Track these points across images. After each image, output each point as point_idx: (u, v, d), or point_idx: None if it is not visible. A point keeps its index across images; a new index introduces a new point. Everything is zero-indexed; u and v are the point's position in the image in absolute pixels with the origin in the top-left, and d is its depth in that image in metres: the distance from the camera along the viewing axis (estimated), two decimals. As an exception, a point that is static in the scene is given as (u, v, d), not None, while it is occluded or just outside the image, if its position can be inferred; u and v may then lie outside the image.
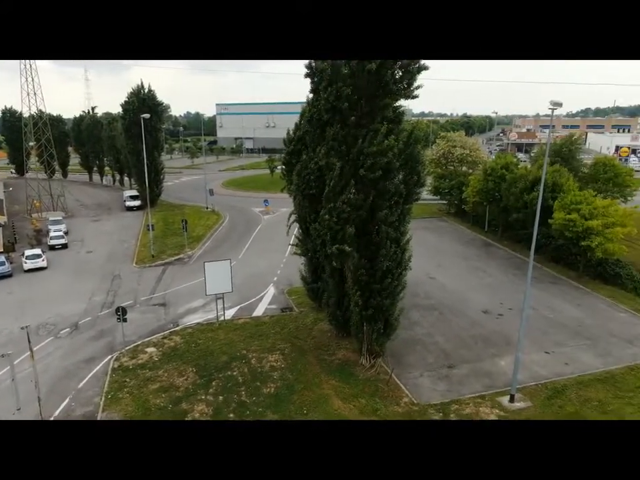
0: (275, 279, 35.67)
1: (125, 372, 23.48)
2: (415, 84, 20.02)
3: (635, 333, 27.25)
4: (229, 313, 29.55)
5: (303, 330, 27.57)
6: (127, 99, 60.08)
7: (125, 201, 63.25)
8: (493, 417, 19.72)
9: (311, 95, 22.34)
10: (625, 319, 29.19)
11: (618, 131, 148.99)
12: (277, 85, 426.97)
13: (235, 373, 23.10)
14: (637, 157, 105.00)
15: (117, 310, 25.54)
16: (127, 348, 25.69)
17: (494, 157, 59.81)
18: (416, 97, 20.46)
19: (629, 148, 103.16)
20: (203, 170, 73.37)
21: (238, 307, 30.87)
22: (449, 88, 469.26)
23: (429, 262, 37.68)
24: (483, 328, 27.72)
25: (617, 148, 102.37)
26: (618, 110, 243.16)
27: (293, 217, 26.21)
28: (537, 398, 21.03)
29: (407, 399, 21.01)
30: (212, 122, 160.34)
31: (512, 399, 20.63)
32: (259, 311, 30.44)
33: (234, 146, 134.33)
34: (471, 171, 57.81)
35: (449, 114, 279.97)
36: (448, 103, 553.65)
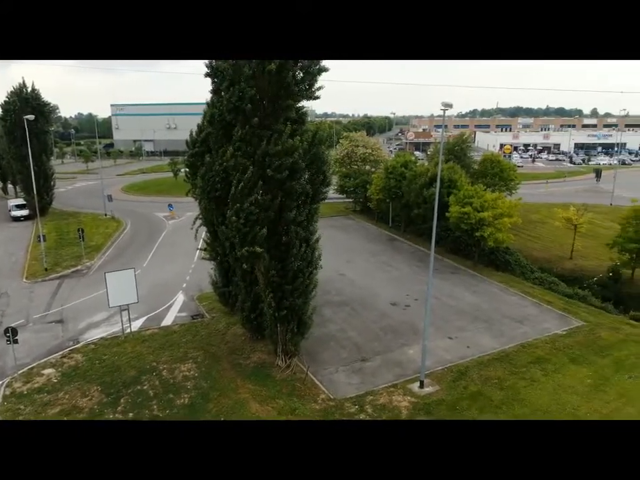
0: (184, 285, 34.48)
1: (19, 398, 21.38)
2: (317, 85, 20.36)
3: (524, 313, 29.97)
4: (136, 325, 28.05)
5: (216, 336, 26.94)
6: (6, 99, 54.75)
7: (10, 210, 57.58)
8: (405, 404, 20.65)
9: (212, 96, 21.91)
10: (515, 301, 32.00)
11: (501, 130, 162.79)
12: (178, 85, 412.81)
13: (145, 387, 21.98)
14: (519, 153, 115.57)
15: (6, 331, 23.15)
16: (20, 372, 23.40)
17: (394, 155, 62.71)
18: (318, 97, 20.81)
19: (511, 145, 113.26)
20: (99, 175, 68.99)
21: (145, 317, 29.41)
22: (350, 89, 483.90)
23: (338, 259, 38.54)
24: (392, 319, 28.93)
25: (501, 146, 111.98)
26: (500, 111, 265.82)
27: (199, 221, 25.50)
28: (443, 381, 22.36)
29: (324, 395, 21.34)
30: (107, 123, 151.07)
31: (422, 385, 21.75)
32: (168, 320, 29.23)
33: (133, 149, 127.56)
34: (373, 169, 59.99)
35: (350, 115, 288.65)
36: (349, 104, 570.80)
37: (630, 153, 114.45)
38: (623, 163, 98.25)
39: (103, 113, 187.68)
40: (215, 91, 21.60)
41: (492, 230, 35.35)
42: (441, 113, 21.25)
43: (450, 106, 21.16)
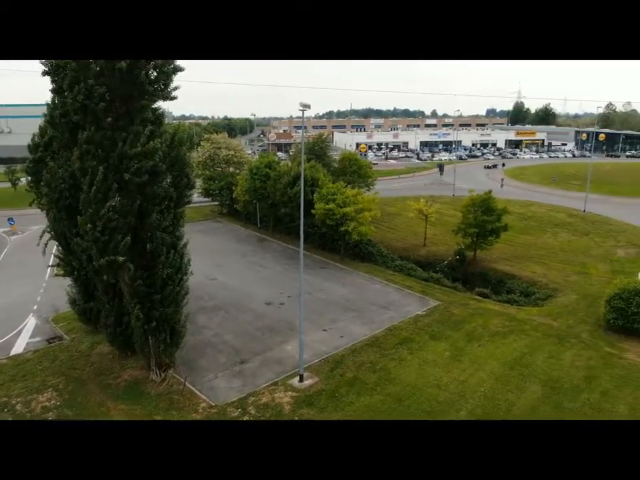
0: (35, 307, 30.82)
1: None
2: (172, 85, 19.61)
3: (389, 299, 32.28)
4: (-23, 358, 24.38)
5: (79, 358, 24.57)
6: None
7: None
8: (287, 400, 20.95)
9: (53, 95, 19.92)
10: (380, 289, 34.30)
11: (356, 130, 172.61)
12: (11, 85, 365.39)
13: (-6, 427, 19.21)
14: (373, 152, 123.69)
15: None
16: None
17: (257, 156, 62.98)
18: (174, 98, 20.07)
19: (366, 144, 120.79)
20: None
21: (-12, 348, 25.70)
22: (208, 91, 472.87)
23: (208, 263, 37.64)
24: (268, 319, 29.11)
25: (357, 145, 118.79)
26: (354, 112, 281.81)
27: (48, 235, 23.04)
28: (322, 372, 23.13)
29: (205, 404, 20.72)
30: None
31: (301, 379, 22.24)
32: (18, 348, 25.88)
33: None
34: (237, 171, 59.67)
35: (210, 117, 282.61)
36: (208, 106, 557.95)
37: (465, 149, 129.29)
38: (460, 158, 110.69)
39: None
40: (56, 90, 19.66)
41: (355, 224, 37.44)
42: (300, 114, 21.88)
43: (308, 106, 21.89)
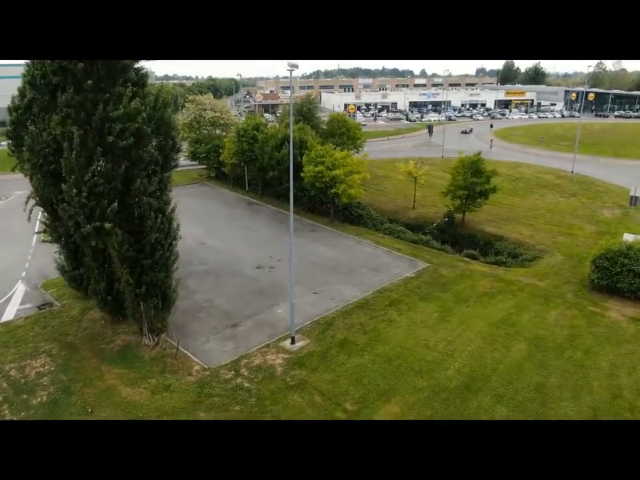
0: (24, 274, 30.59)
1: None
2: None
3: (379, 262, 32.53)
4: (-33, 325, 24.32)
5: (70, 324, 24.62)
6: None
7: None
8: (279, 361, 21.31)
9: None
10: (370, 252, 34.51)
11: (345, 91, 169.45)
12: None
13: (-11, 393, 19.39)
14: (362, 113, 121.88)
15: None
16: None
17: (244, 118, 61.76)
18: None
19: (354, 105, 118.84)
20: None
21: (-23, 315, 25.61)
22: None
23: (197, 228, 37.43)
24: (259, 282, 29.25)
25: (346, 106, 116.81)
26: (342, 72, 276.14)
27: (33, 201, 22.60)
28: (312, 334, 23.48)
29: (198, 367, 21.02)
30: None
31: (293, 341, 22.58)
32: (8, 315, 25.82)
33: None
34: (224, 133, 58.57)
35: (194, 77, 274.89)
36: (191, 66, 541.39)
37: (454, 110, 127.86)
38: (449, 118, 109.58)
39: None
40: (34, 49, 18.83)
41: (344, 187, 37.24)
42: (287, 74, 21.31)
43: (296, 66, 21.30)
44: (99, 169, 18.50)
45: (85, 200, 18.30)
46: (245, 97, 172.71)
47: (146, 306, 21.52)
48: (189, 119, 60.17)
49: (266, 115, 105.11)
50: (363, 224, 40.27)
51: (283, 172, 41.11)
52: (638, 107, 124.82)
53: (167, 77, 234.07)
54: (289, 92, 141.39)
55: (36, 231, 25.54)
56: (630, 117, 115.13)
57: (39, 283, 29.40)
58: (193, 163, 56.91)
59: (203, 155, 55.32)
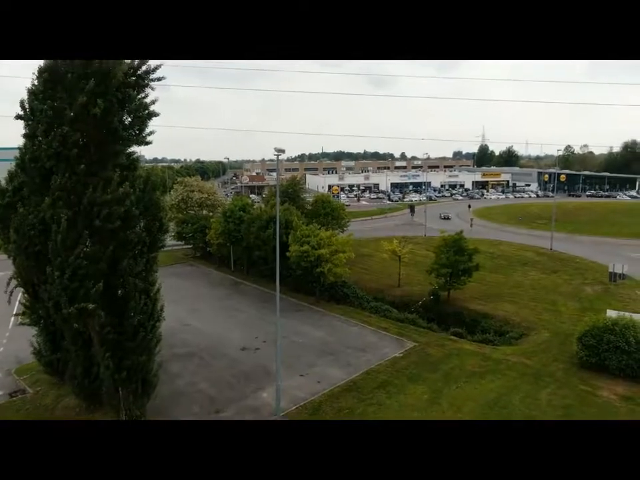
0: (-4, 358, 29.34)
1: None
2: (147, 130, 19.70)
3: (366, 341, 32.04)
4: None
5: (43, 412, 23.28)
6: None
7: None
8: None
9: (25, 141, 19.71)
10: (357, 331, 34.07)
11: (328, 173, 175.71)
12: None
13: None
14: (345, 193, 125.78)
15: None
16: None
17: (231, 199, 63.17)
18: (149, 143, 20.10)
19: (338, 186, 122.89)
20: None
21: (-57, 404, 24.13)
22: (179, 135, 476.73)
23: (181, 309, 36.85)
24: (244, 365, 28.40)
25: (330, 187, 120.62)
26: (325, 155, 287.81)
27: (14, 282, 22.24)
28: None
29: (177, 458, 19.76)
30: None
31: (278, 427, 21.54)
32: (-24, 404, 24.40)
33: None
34: (211, 214, 59.53)
35: (182, 160, 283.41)
36: (179, 149, 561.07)
37: (434, 190, 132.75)
38: (430, 198, 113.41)
39: None
40: (28, 135, 19.46)
41: (330, 265, 37.51)
42: (272, 157, 22.22)
43: (282, 151, 22.32)
44: (86, 250, 18.51)
45: (68, 281, 18.08)
46: (232, 178, 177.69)
47: (124, 392, 20.60)
48: (177, 199, 61.30)
49: (252, 196, 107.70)
50: (348, 303, 40.12)
51: (269, 251, 41.42)
52: (607, 187, 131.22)
53: (156, 160, 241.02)
54: (274, 174, 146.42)
55: (14, 312, 24.86)
56: (601, 197, 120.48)
57: (13, 368, 28.14)
58: (179, 243, 57.20)
59: (190, 234, 55.79)
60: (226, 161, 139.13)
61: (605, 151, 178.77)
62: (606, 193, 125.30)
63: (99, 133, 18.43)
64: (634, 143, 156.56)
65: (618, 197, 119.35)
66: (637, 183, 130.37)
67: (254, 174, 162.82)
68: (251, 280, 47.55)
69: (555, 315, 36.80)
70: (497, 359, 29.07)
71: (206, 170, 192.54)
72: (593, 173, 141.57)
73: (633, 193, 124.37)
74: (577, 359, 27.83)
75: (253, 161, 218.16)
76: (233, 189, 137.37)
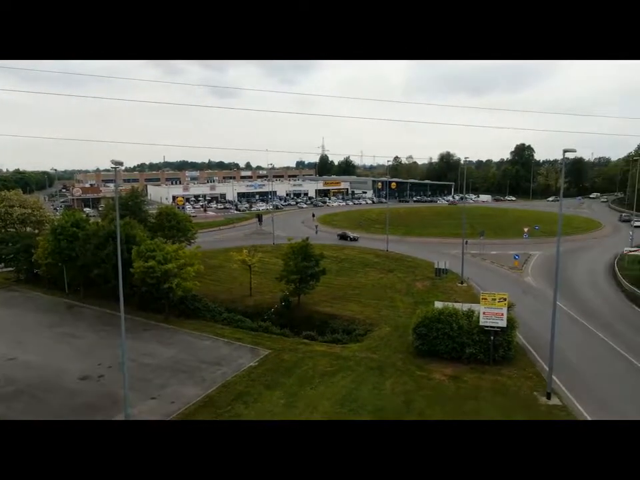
0: None
1: None
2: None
3: (220, 354, 31.57)
4: None
5: None
6: None
7: None
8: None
9: None
10: (210, 345, 33.38)
11: (172, 183, 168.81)
12: None
13: None
14: (191, 204, 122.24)
15: None
16: None
17: (61, 214, 57.06)
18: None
19: (183, 197, 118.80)
20: None
21: None
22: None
23: (4, 342, 32.17)
24: (86, 395, 25.86)
25: (174, 198, 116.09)
26: (168, 164, 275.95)
27: None
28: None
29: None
30: None
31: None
32: None
33: None
34: (37, 231, 53.12)
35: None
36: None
37: (280, 199, 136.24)
38: (277, 207, 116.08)
39: None
40: None
41: (179, 280, 36.16)
42: (108, 166, 20.83)
43: (120, 164, 21.07)
44: None
45: None
46: (62, 190, 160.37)
47: None
48: (-8, 217, 53.42)
49: (86, 209, 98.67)
50: (200, 317, 39.10)
51: (109, 269, 38.35)
52: (430, 193, 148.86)
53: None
54: (111, 185, 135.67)
55: None
56: (425, 202, 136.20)
57: None
58: (-2, 265, 49.87)
59: (11, 256, 48.95)
60: (53, 171, 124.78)
61: (426, 161, 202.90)
62: (429, 199, 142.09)
63: None
64: (448, 154, 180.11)
65: (438, 201, 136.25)
66: (452, 189, 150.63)
67: (87, 185, 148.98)
68: (89, 302, 43.45)
69: (393, 310, 40.49)
70: (346, 357, 30.98)
71: (28, 182, 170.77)
72: (417, 181, 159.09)
73: (450, 198, 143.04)
74: (412, 348, 31.01)
75: (86, 171, 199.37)
76: (63, 202, 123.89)
